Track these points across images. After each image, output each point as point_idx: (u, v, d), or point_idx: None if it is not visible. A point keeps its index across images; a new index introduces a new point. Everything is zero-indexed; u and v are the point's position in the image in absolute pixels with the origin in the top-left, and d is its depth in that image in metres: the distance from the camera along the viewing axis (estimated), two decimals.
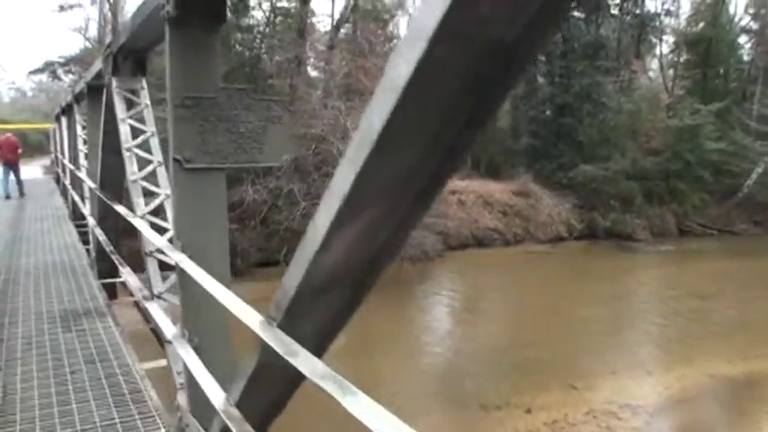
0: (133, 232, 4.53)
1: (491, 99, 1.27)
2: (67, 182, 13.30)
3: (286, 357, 1.48)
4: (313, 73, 26.52)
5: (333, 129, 20.50)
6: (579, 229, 29.28)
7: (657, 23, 36.79)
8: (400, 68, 1.11)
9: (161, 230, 4.06)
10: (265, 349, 1.69)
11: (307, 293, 1.57)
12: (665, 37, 39.65)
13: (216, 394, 2.16)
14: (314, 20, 26.93)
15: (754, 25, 39.27)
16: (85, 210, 8.44)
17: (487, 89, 1.22)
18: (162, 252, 3.55)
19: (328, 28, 27.57)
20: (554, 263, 25.15)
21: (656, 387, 13.03)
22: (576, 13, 33.65)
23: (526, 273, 23.28)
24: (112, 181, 6.23)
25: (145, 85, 5.30)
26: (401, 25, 39.24)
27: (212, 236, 3.00)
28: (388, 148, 1.19)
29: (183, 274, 2.78)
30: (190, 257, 2.72)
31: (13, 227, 11.79)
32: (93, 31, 38.24)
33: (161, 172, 4.79)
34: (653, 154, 32.38)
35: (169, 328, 3.09)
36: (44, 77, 42.42)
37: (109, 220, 6.68)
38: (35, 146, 41.69)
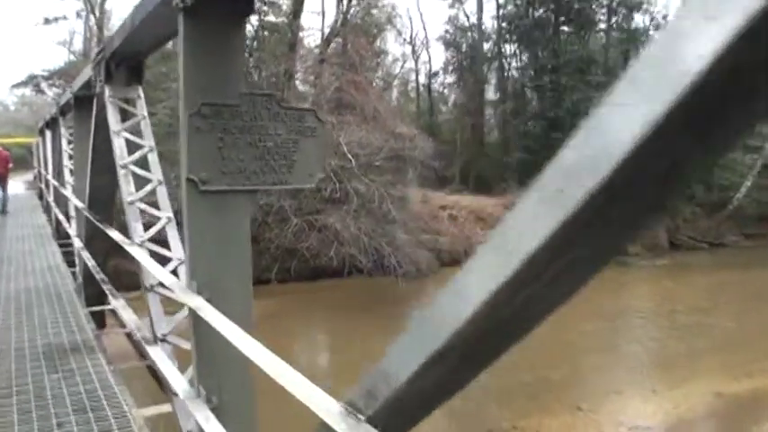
0: (120, 250, 4.03)
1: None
2: (51, 199, 12.70)
3: None
4: (303, 87, 26.12)
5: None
6: None
7: (647, 39, 36.75)
8: None
9: (163, 260, 3.52)
10: None
11: (424, 376, 1.08)
12: None
13: None
14: (303, 34, 26.63)
15: None
16: (71, 230, 7.85)
17: None
18: (165, 287, 3.01)
19: (318, 42, 27.29)
20: None
21: (662, 406, 12.64)
22: (565, 28, 33.68)
23: None
24: (102, 200, 5.68)
25: (141, 94, 4.76)
26: (389, 39, 39.20)
27: (234, 274, 2.50)
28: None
29: (198, 321, 2.27)
30: (208, 300, 2.21)
31: None
32: (78, 45, 37.75)
33: (161, 192, 4.24)
34: None
35: (179, 382, 2.56)
36: (27, 91, 41.85)
37: (97, 241, 6.09)
38: (18, 160, 40.86)
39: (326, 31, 27.05)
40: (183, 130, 2.38)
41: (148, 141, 4.52)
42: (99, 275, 4.91)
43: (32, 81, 36.66)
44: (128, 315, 3.58)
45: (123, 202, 4.12)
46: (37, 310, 6.56)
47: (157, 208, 4.15)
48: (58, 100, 11.52)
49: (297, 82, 24.61)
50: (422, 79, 44.33)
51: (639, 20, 36.69)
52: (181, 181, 2.45)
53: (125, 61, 4.47)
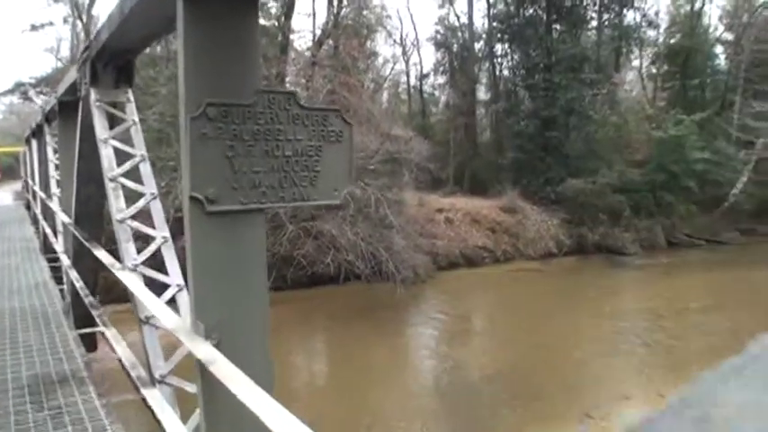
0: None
1: None
2: (38, 210, 12.19)
3: None
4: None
5: None
6: (568, 244, 28.93)
7: (638, 35, 36.66)
8: None
9: (158, 286, 3.07)
10: None
11: None
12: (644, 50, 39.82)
13: None
14: (294, 36, 26.28)
15: (729, 36, 39.47)
16: (58, 245, 7.35)
17: None
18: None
19: (309, 44, 26.94)
20: (546, 280, 24.67)
21: None
22: (557, 26, 33.46)
23: (519, 292, 22.71)
24: (90, 213, 5.19)
25: (131, 98, 4.28)
26: (379, 41, 38.83)
27: (250, 311, 2.06)
28: None
29: (207, 375, 1.82)
30: (217, 346, 1.78)
31: None
32: (65, 51, 37.21)
33: (156, 208, 3.77)
34: (637, 166, 32.32)
35: None
36: (15, 99, 41.29)
37: (85, 259, 5.59)
38: (5, 170, 40.53)
39: (318, 32, 26.75)
40: (185, 137, 1.95)
41: (140, 150, 4.03)
42: (87, 298, 4.44)
43: (19, 89, 36.23)
44: (121, 349, 3.13)
45: (112, 220, 3.66)
46: (22, 334, 6.07)
47: (151, 226, 3.68)
48: (44, 106, 10.97)
49: (288, 85, 24.17)
50: (412, 81, 44.08)
51: (631, 17, 36.54)
52: (183, 199, 2.01)
53: (113, 60, 3.99)
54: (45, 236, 10.51)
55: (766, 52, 33.41)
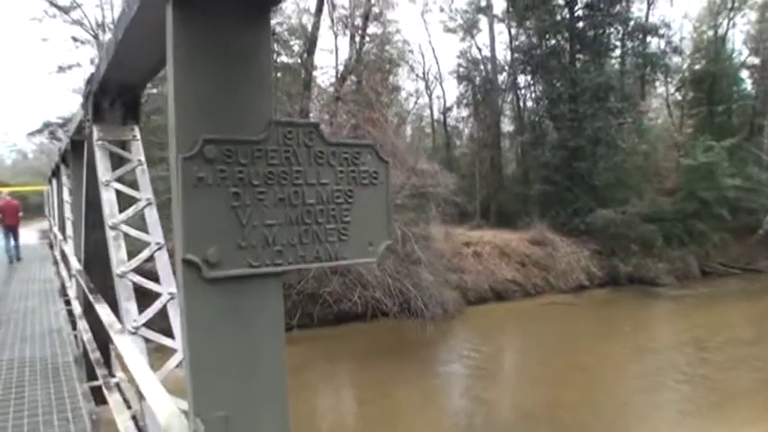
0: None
1: None
2: (57, 252, 11.98)
3: None
4: None
5: None
6: (600, 276, 28.35)
7: (664, 62, 36.15)
8: None
9: (166, 351, 2.62)
10: None
11: None
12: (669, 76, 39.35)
13: None
14: (317, 72, 26.28)
15: (755, 60, 38.89)
16: (71, 290, 6.98)
17: None
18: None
19: (332, 80, 26.90)
20: (579, 314, 23.94)
21: None
22: (581, 56, 33.14)
23: (552, 326, 22.02)
24: (99, 261, 4.77)
25: (138, 135, 3.86)
26: (402, 75, 38.81)
27: (265, 405, 1.59)
28: None
29: None
30: None
31: None
32: None
33: (162, 259, 3.34)
34: (667, 194, 31.93)
35: None
36: (44, 139, 42.14)
37: (95, 309, 5.21)
38: (34, 208, 40.99)
39: (341, 68, 26.72)
40: (176, 184, 1.50)
41: (145, 193, 3.59)
42: (94, 354, 4.01)
43: (48, 128, 36.92)
44: (122, 422, 2.67)
45: (113, 273, 3.23)
46: (28, 388, 5.67)
47: (156, 281, 3.23)
48: (61, 147, 10.77)
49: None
50: (436, 114, 43.97)
51: (655, 44, 36.12)
52: (176, 261, 1.57)
53: (117, 95, 3.61)
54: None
55: None
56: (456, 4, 40.71)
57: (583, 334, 20.45)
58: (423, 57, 42.70)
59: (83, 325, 4.96)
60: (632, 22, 33.97)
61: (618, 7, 32.56)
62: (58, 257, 11.35)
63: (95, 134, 3.69)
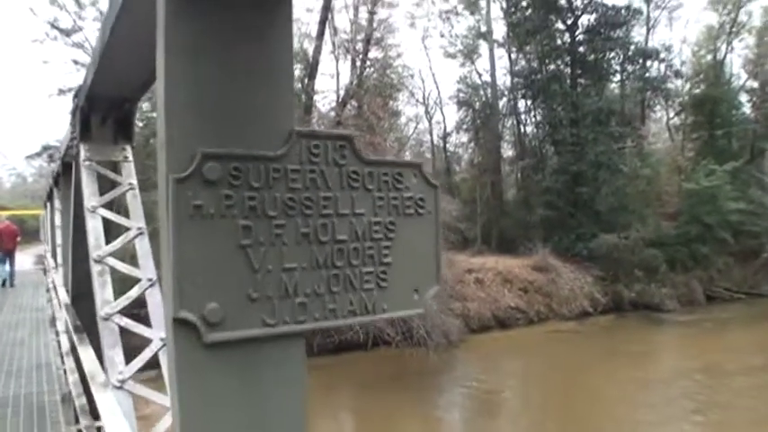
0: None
1: None
2: (49, 280, 11.58)
3: None
4: None
5: None
6: (604, 302, 27.99)
7: (665, 85, 36.19)
8: None
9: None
10: None
11: None
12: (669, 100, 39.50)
13: None
14: (317, 97, 26.20)
15: (754, 83, 39.11)
16: (60, 324, 6.55)
17: None
18: None
19: (333, 104, 26.78)
20: (584, 342, 23.55)
21: None
22: (582, 80, 33.12)
23: (556, 355, 21.60)
24: (89, 295, 4.39)
25: (130, 156, 3.46)
26: (402, 100, 38.69)
27: None
28: None
29: None
30: None
31: None
32: None
33: (154, 298, 2.91)
34: (669, 219, 31.82)
35: None
36: (43, 162, 42.16)
37: None
38: (32, 232, 40.66)
39: (341, 93, 26.57)
40: (165, 214, 1.11)
41: (137, 222, 3.17)
42: (78, 399, 3.59)
43: (46, 152, 36.81)
44: None
45: (97, 315, 2.81)
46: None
47: (148, 325, 2.78)
48: (53, 168, 10.30)
49: None
50: (436, 139, 43.83)
51: (655, 68, 36.33)
52: (165, 319, 1.17)
53: (107, 110, 3.21)
54: None
55: None
56: (456, 29, 40.75)
57: (588, 362, 20.05)
58: (423, 82, 42.68)
59: (69, 364, 4.52)
60: (633, 47, 34.13)
61: (618, 32, 32.64)
62: (50, 285, 10.95)
63: (82, 154, 3.28)
